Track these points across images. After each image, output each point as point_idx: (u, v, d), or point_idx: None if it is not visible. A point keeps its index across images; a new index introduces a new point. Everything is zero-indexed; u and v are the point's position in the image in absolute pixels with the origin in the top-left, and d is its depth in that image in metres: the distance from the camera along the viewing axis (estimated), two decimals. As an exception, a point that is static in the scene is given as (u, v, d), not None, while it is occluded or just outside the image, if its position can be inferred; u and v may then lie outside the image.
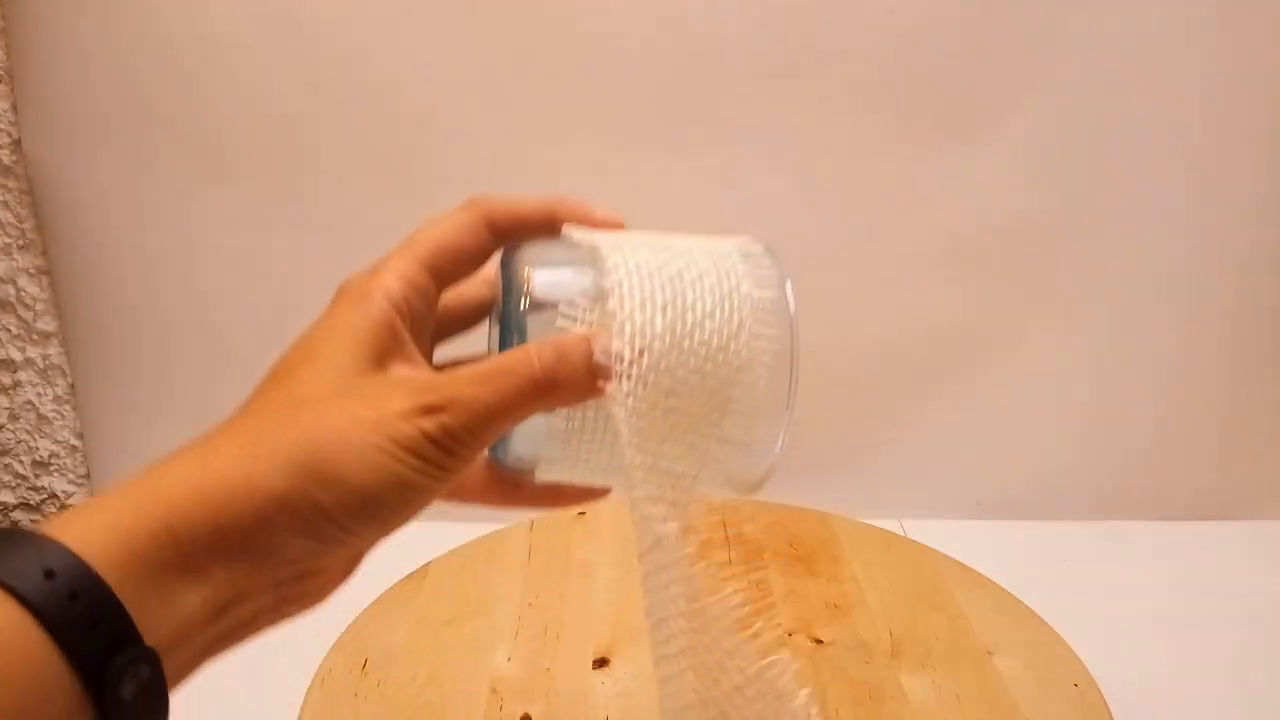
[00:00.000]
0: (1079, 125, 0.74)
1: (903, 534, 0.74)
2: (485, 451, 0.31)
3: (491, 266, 0.34)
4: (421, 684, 0.55)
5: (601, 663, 0.57)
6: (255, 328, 0.79)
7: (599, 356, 0.28)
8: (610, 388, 0.28)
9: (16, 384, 0.80)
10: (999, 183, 0.75)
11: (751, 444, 0.31)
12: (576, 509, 0.72)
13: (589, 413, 0.30)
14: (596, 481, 0.33)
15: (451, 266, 0.32)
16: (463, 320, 0.35)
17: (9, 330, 0.79)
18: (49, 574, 0.22)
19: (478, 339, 0.36)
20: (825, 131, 0.74)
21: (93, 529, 0.24)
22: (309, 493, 0.26)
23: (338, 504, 0.26)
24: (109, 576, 0.23)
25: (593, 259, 0.30)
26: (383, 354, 0.29)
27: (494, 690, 0.54)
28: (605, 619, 0.61)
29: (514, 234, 0.33)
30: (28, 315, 0.78)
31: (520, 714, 0.53)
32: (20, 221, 0.76)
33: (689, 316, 0.29)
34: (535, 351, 0.28)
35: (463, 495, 0.34)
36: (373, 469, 0.26)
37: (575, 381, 0.28)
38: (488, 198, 0.33)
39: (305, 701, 0.53)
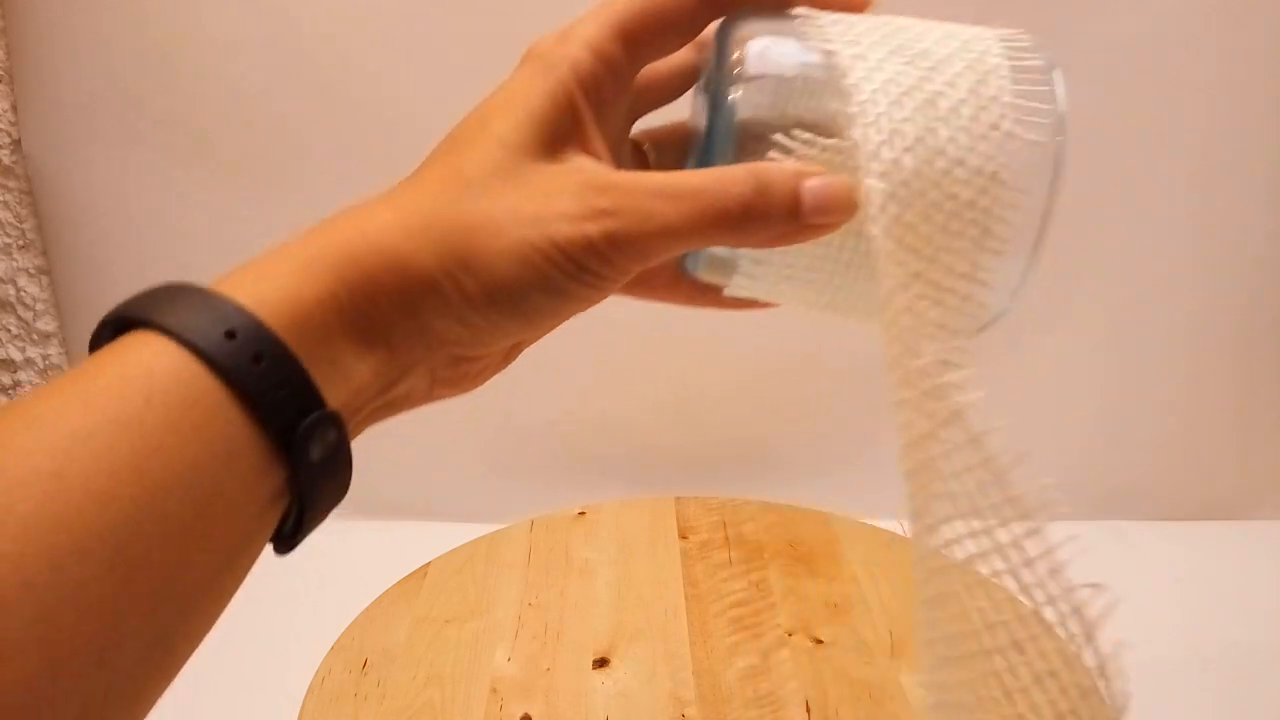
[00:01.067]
0: (1083, 125, 0.74)
1: (903, 534, 0.74)
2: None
3: (708, 33, 0.28)
4: (421, 684, 0.55)
5: (601, 663, 0.57)
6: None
7: (808, 200, 0.24)
8: (827, 227, 0.24)
9: (16, 384, 0.80)
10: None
11: (998, 281, 0.26)
12: (576, 509, 0.72)
13: (792, 255, 0.25)
14: (804, 307, 0.29)
15: (655, 37, 0.27)
16: (668, 90, 0.31)
17: (9, 330, 0.79)
18: (230, 334, 0.22)
19: (681, 110, 0.31)
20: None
21: (263, 290, 0.23)
22: (458, 278, 0.24)
23: (484, 295, 0.24)
24: (286, 339, 0.23)
25: (829, 61, 0.25)
26: (560, 136, 0.26)
27: (494, 690, 0.54)
28: (605, 619, 0.61)
29: (733, 3, 0.28)
30: (27, 315, 0.78)
31: (520, 714, 0.53)
32: (20, 221, 0.76)
33: (940, 160, 0.24)
34: (739, 176, 0.25)
35: (648, 291, 0.31)
36: (523, 265, 0.24)
37: (773, 223, 0.25)
38: None
39: (305, 702, 0.53)
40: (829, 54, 0.25)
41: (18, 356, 0.79)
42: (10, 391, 0.80)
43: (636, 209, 0.24)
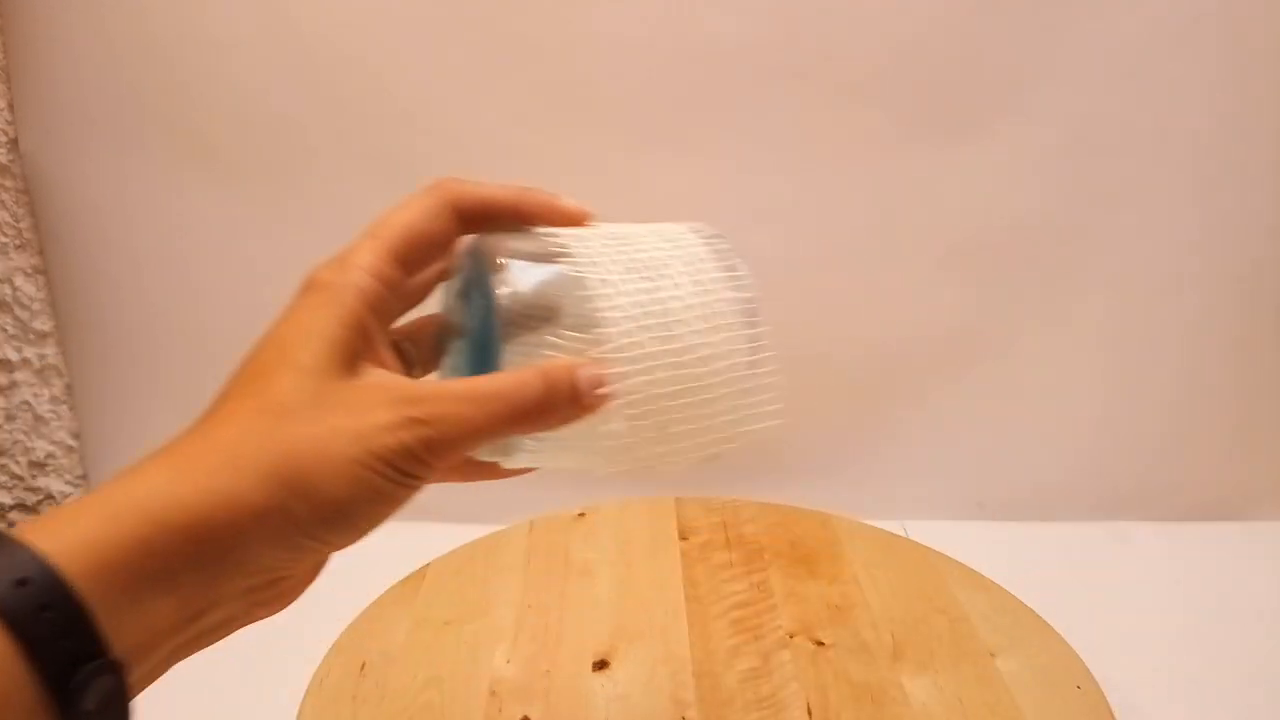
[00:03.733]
0: (1084, 125, 0.74)
1: (904, 535, 0.74)
2: None
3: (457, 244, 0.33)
4: (420, 686, 0.55)
5: (601, 665, 0.57)
6: (253, 328, 0.78)
7: (585, 385, 0.29)
8: (601, 405, 0.29)
9: (13, 384, 0.80)
10: (1002, 183, 0.75)
11: (724, 450, 0.32)
12: (576, 510, 0.72)
13: (574, 429, 0.30)
14: (568, 469, 0.34)
15: (419, 254, 0.32)
16: (422, 294, 0.35)
17: (5, 330, 0.78)
18: (21, 582, 0.23)
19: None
20: (827, 131, 0.73)
21: (68, 536, 0.24)
22: (286, 506, 0.26)
23: (314, 516, 0.26)
24: (82, 585, 0.23)
25: (573, 268, 0.30)
26: (356, 355, 0.29)
27: (493, 692, 0.54)
28: (605, 620, 0.61)
29: (480, 221, 0.32)
30: (24, 315, 0.78)
31: (520, 716, 0.53)
32: (17, 221, 0.75)
33: (674, 329, 0.30)
34: (527, 377, 0.28)
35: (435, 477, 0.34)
36: (350, 481, 0.26)
37: (561, 409, 0.29)
38: (454, 181, 0.33)
39: (303, 703, 0.53)
40: (573, 264, 0.30)
41: (14, 356, 0.78)
42: (6, 392, 0.80)
43: (446, 415, 0.27)
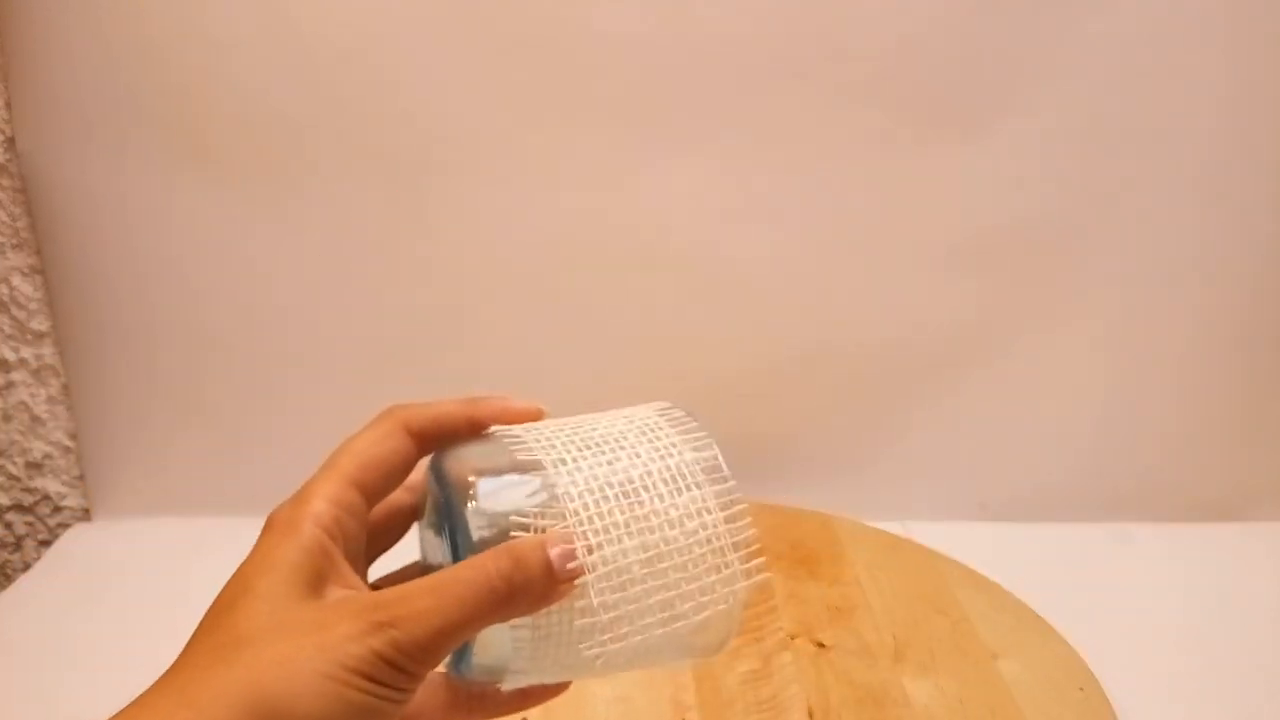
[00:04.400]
0: (1086, 124, 0.73)
1: (906, 536, 0.74)
2: (442, 669, 0.30)
3: (416, 473, 0.33)
4: (419, 688, 0.54)
5: (601, 666, 0.57)
6: (250, 329, 0.78)
7: (557, 561, 0.28)
8: (572, 577, 0.28)
9: (10, 384, 0.79)
10: (1002, 183, 0.75)
11: (713, 613, 0.30)
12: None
13: (554, 618, 0.29)
14: (565, 679, 0.33)
15: (378, 480, 0.31)
16: (391, 532, 0.34)
17: (2, 330, 0.78)
18: None
19: (408, 550, 0.35)
20: (827, 130, 0.73)
21: None
22: None
23: None
24: None
25: (533, 464, 0.30)
26: (318, 580, 0.28)
27: (493, 694, 0.54)
28: (605, 622, 0.60)
29: (437, 439, 0.32)
30: (21, 315, 0.77)
31: (520, 716, 0.52)
32: (14, 220, 0.75)
33: (638, 495, 0.30)
34: (492, 559, 0.27)
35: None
36: (324, 698, 0.25)
37: (534, 588, 0.28)
38: (404, 407, 0.32)
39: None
40: (530, 453, 0.30)
41: (11, 356, 0.78)
42: (3, 392, 0.79)
43: (412, 613, 0.26)
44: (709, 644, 0.32)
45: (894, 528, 0.75)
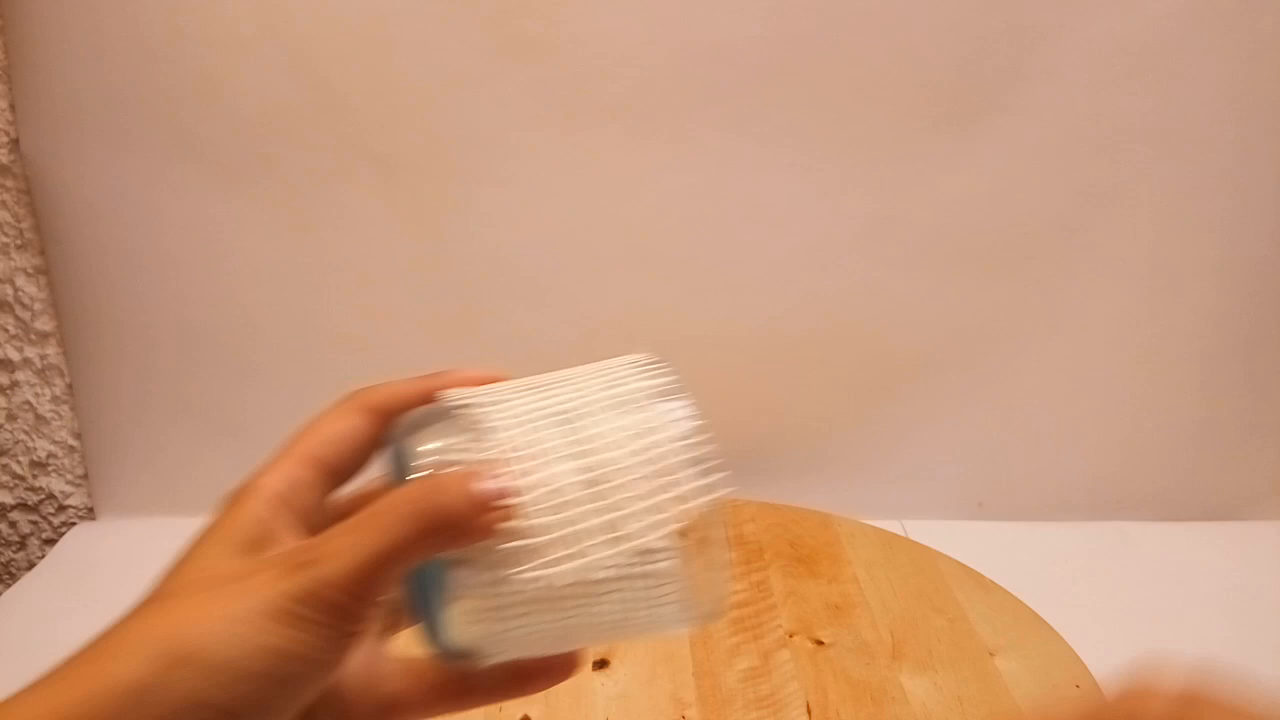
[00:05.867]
0: (1086, 124, 0.74)
1: (904, 535, 0.74)
2: (426, 655, 0.30)
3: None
4: (420, 685, 0.55)
5: (601, 664, 0.57)
6: (253, 327, 0.78)
7: (479, 484, 0.26)
8: (504, 515, 0.27)
9: (14, 384, 0.80)
10: (1003, 182, 0.75)
11: (676, 546, 0.29)
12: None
13: (494, 556, 0.28)
14: (544, 649, 0.31)
15: (337, 455, 0.31)
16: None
17: (6, 330, 0.78)
18: None
19: None
20: (827, 130, 0.73)
21: None
22: (174, 676, 0.24)
23: (209, 684, 0.24)
24: None
25: (470, 405, 0.29)
26: (257, 545, 0.28)
27: (493, 691, 0.54)
28: (605, 620, 0.61)
29: (398, 414, 0.31)
30: (25, 315, 0.78)
31: (520, 715, 0.53)
32: (18, 221, 0.76)
33: (577, 421, 0.28)
34: (412, 489, 0.26)
35: (407, 711, 0.32)
36: (236, 640, 0.24)
37: (456, 511, 0.26)
38: (365, 389, 0.32)
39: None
40: (470, 402, 0.29)
41: (15, 356, 0.79)
42: (8, 391, 0.80)
43: (332, 550, 0.25)
44: (698, 593, 0.29)
45: (892, 526, 0.75)
